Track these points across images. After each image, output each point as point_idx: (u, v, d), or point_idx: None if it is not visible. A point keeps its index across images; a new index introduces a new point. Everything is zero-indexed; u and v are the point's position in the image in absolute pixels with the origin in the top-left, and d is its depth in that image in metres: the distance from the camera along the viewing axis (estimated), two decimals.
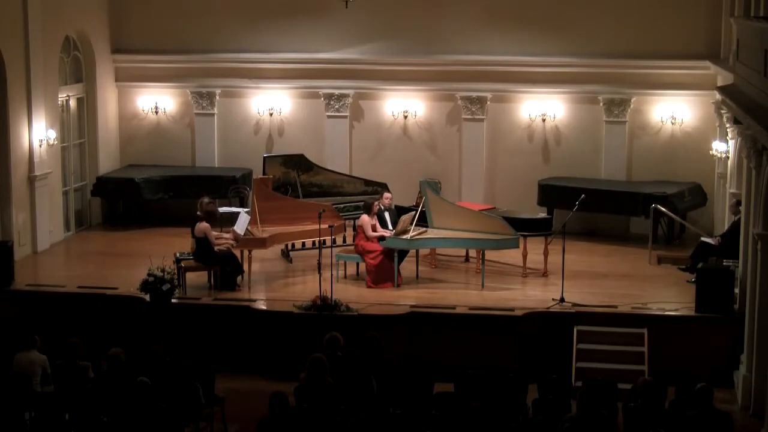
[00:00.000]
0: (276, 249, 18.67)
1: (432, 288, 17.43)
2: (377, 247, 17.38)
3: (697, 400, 11.27)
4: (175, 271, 16.67)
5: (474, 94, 21.35)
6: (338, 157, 21.64)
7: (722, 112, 18.10)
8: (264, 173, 19.03)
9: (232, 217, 18.36)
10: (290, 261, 18.89)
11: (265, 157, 19.50)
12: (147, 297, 16.38)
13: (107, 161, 22.08)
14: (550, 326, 15.91)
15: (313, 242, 18.43)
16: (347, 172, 20.87)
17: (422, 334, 15.86)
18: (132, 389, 11.46)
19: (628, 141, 21.10)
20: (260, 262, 18.28)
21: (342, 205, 19.15)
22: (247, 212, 17.95)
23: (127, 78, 22.42)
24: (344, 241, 19.01)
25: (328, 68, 21.73)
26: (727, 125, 17.76)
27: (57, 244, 20.10)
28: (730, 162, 18.54)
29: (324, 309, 15.87)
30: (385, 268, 17.33)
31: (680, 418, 11.20)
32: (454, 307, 16.27)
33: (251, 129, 22.27)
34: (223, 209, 19.05)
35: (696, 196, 20.43)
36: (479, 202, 20.53)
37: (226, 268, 17.09)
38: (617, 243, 20.29)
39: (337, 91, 21.74)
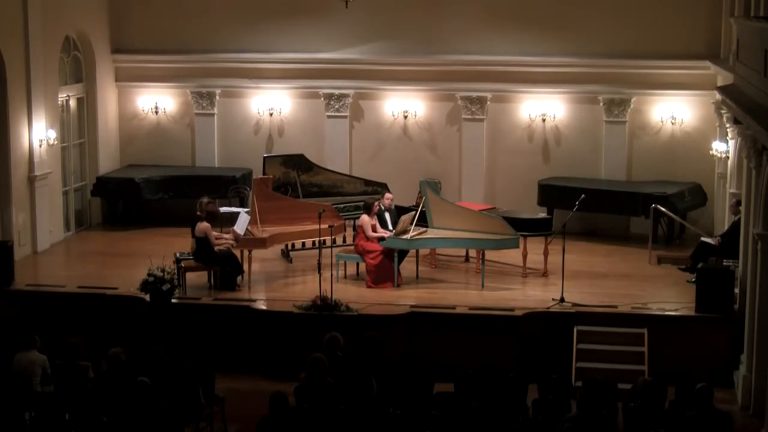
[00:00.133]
0: (276, 249, 18.66)
1: (432, 288, 17.43)
2: (377, 247, 17.38)
3: (697, 400, 11.27)
4: (175, 271, 16.67)
5: (474, 94, 21.35)
6: (338, 157, 21.65)
7: (722, 112, 18.10)
8: (264, 173, 19.03)
9: (232, 217, 18.36)
10: (290, 261, 18.89)
11: (265, 157, 19.50)
12: (147, 297, 16.38)
13: (107, 161, 22.09)
14: (550, 326, 15.91)
15: (313, 242, 18.43)
16: (347, 172, 20.87)
17: (422, 334, 15.86)
18: (132, 389, 11.46)
19: (628, 141, 21.10)
20: (260, 262, 18.28)
21: (342, 205, 19.15)
22: (247, 212, 17.95)
23: (127, 78, 22.42)
24: (344, 241, 19.01)
25: (328, 68, 21.73)
26: (727, 125, 17.76)
27: (57, 244, 20.10)
28: (730, 162, 18.54)
29: (324, 309, 15.87)
30: (385, 268, 17.33)
31: (680, 418, 11.20)
32: (454, 307, 16.27)
33: (251, 129, 22.27)
34: (223, 209, 19.04)
35: (696, 196, 20.43)
36: (479, 202, 20.53)
37: (226, 268, 17.09)
38: (617, 243, 20.29)
39: (337, 91, 21.74)
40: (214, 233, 17.23)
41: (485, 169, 21.56)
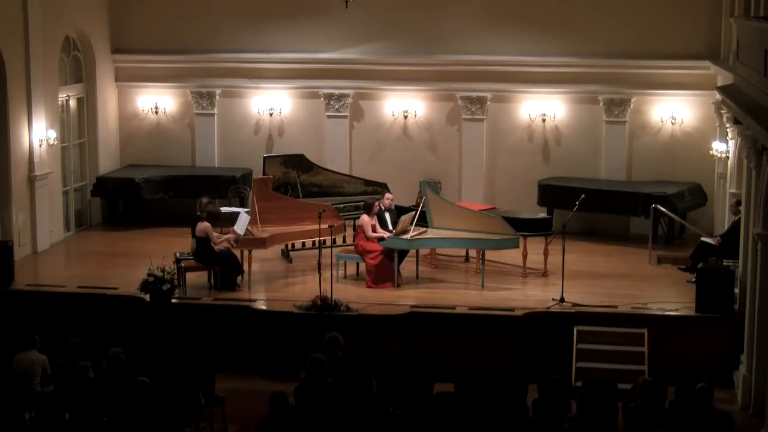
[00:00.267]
0: (276, 249, 18.66)
1: (432, 288, 17.43)
2: (377, 247, 17.37)
3: (697, 400, 11.27)
4: (175, 271, 16.67)
5: (474, 94, 21.35)
6: (338, 157, 21.65)
7: (722, 112, 18.10)
8: (264, 173, 19.03)
9: (232, 217, 18.35)
10: (290, 261, 18.89)
11: (265, 157, 19.50)
12: (147, 297, 16.38)
13: (107, 161, 22.09)
14: (550, 326, 15.91)
15: (313, 242, 18.43)
16: (347, 172, 20.87)
17: (422, 334, 15.86)
18: (132, 389, 11.46)
19: (628, 141, 21.10)
20: (260, 262, 18.28)
21: (342, 205, 19.15)
22: (247, 212, 17.94)
23: (127, 78, 22.43)
24: (344, 241, 19.01)
25: (328, 68, 21.73)
26: (727, 125, 17.76)
27: (57, 244, 20.10)
28: (730, 162, 18.54)
29: (324, 309, 15.87)
30: (385, 268, 17.33)
31: (680, 418, 11.20)
32: (454, 307, 16.27)
33: (251, 129, 22.27)
34: (223, 209, 19.04)
35: (696, 196, 20.43)
36: (479, 202, 20.53)
37: (226, 268, 17.09)
38: (617, 243, 20.29)
39: (337, 91, 21.74)
40: (214, 233, 17.22)
41: (485, 169, 21.56)
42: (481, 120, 21.47)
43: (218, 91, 22.14)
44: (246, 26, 21.95)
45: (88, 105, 21.69)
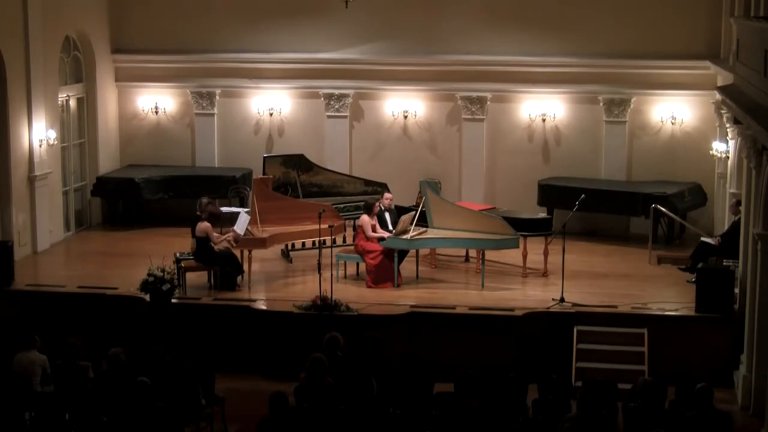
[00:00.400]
0: (276, 249, 18.66)
1: (432, 288, 17.43)
2: (377, 247, 17.37)
3: (697, 400, 11.27)
4: (175, 271, 16.67)
5: (474, 94, 21.35)
6: (338, 157, 21.65)
7: (722, 112, 18.10)
8: (264, 173, 19.03)
9: (232, 217, 18.35)
10: (290, 261, 18.89)
11: (265, 157, 19.50)
12: (147, 297, 16.38)
13: (107, 161, 22.09)
14: (550, 326, 15.91)
15: (313, 242, 18.43)
16: (347, 172, 20.87)
17: (422, 334, 15.86)
18: (132, 389, 11.46)
19: (628, 141, 21.10)
20: (260, 262, 18.28)
21: (342, 205, 19.14)
22: (247, 212, 17.94)
23: (127, 78, 22.43)
24: (344, 241, 19.01)
25: (328, 68, 21.73)
26: (727, 125, 17.76)
27: (57, 244, 20.10)
28: (730, 162, 18.54)
29: (324, 309, 15.87)
30: (385, 268, 17.33)
31: (680, 418, 11.20)
32: (454, 307, 16.27)
33: (251, 129, 22.27)
34: (223, 209, 19.04)
35: (696, 196, 20.43)
36: (479, 202, 20.53)
37: (226, 268, 17.09)
38: (617, 243, 20.29)
39: (337, 91, 21.74)
40: (214, 233, 17.22)
41: (485, 169, 21.56)
42: (481, 120, 21.47)
43: (218, 91, 22.14)
44: (246, 26, 21.95)
45: (88, 105, 21.69)
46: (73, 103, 21.32)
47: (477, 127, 21.50)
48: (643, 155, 21.10)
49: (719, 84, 18.87)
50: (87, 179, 21.70)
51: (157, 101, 22.37)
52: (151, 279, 16.20)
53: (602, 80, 20.98)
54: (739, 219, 16.29)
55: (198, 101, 22.20)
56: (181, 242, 18.71)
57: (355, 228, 18.50)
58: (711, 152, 19.98)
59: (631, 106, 20.98)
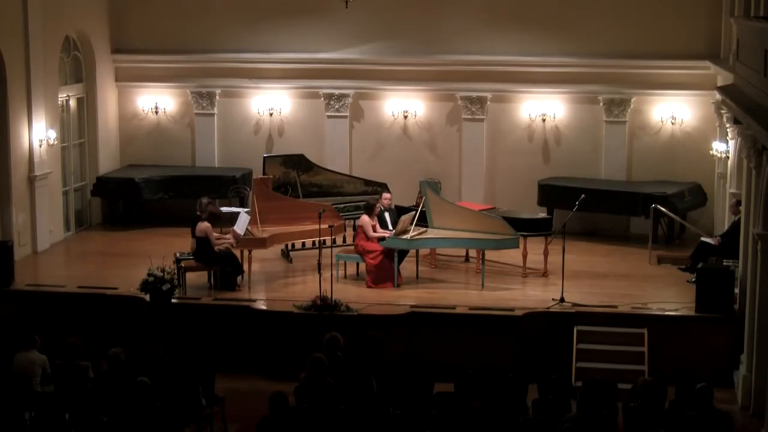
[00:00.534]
0: (276, 249, 18.66)
1: (432, 288, 17.43)
2: (377, 247, 17.37)
3: (697, 400, 11.27)
4: (175, 271, 16.67)
5: (474, 94, 21.35)
6: (338, 157, 21.65)
7: (722, 112, 18.10)
8: (264, 173, 19.04)
9: (232, 217, 18.36)
10: (290, 261, 18.89)
11: (265, 157, 19.51)
12: (147, 297, 16.38)
13: (107, 161, 22.09)
14: (550, 326, 15.91)
15: (313, 242, 18.43)
16: (347, 172, 20.87)
17: (422, 334, 15.86)
18: (132, 389, 11.46)
19: (628, 141, 21.10)
20: (260, 262, 18.28)
21: (342, 205, 19.15)
22: (247, 212, 17.95)
23: (127, 78, 22.43)
24: (344, 241, 19.01)
25: (328, 68, 21.74)
26: (727, 125, 17.76)
27: (57, 244, 20.10)
28: (730, 162, 18.54)
29: (324, 309, 15.87)
30: (385, 268, 17.33)
31: (680, 418, 11.20)
32: (454, 307, 16.27)
33: (251, 129, 22.27)
34: (223, 209, 19.04)
35: (696, 196, 20.43)
36: (479, 202, 20.53)
37: (226, 268, 17.09)
38: (617, 243, 20.29)
39: (337, 91, 21.74)
40: (214, 234, 17.22)
41: (485, 169, 21.56)
42: (481, 120, 21.47)
43: (218, 91, 22.15)
44: (246, 26, 21.95)
45: (88, 105, 21.69)
46: (73, 103, 21.32)
47: (477, 127, 21.50)
48: (643, 155, 21.10)
49: (719, 84, 18.87)
50: (87, 179, 21.70)
51: (157, 101, 22.37)
52: (151, 279, 16.20)
53: (602, 80, 20.98)
54: (739, 219, 16.29)
55: (198, 101, 22.20)
56: (181, 242, 18.71)
57: (355, 228, 18.50)
58: (711, 152, 19.98)
59: (631, 106, 20.98)
